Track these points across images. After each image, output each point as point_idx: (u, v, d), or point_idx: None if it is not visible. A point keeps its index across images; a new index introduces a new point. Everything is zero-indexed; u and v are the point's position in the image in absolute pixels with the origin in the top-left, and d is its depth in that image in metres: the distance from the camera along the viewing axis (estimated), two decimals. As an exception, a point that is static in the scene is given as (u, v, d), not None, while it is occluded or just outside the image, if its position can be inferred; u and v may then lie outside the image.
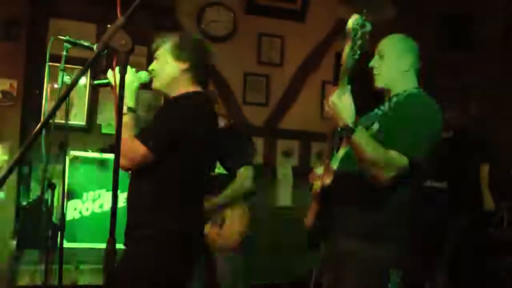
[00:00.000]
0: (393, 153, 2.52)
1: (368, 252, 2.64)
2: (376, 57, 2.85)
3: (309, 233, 3.00)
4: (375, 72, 2.83)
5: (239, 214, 4.24)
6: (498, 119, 5.78)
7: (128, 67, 2.76)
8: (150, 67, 3.02)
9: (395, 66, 2.79)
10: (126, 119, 2.68)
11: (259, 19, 6.24)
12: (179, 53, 2.95)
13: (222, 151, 4.31)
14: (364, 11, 2.55)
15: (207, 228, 4.21)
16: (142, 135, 2.72)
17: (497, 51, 5.84)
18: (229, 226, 4.21)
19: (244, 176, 4.26)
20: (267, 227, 5.60)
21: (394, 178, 2.53)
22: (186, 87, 2.95)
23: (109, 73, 2.85)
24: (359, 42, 2.58)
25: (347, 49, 2.58)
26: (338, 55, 5.94)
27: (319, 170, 2.99)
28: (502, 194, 5.41)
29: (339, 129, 2.67)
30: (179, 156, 2.79)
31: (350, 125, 2.52)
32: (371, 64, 2.85)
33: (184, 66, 2.94)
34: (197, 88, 2.98)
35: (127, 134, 2.65)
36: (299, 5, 6.31)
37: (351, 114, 2.54)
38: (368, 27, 2.56)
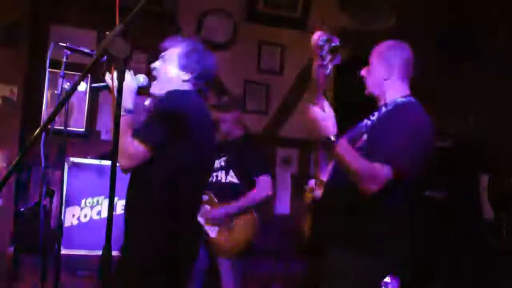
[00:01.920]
0: (376, 165, 2.49)
1: (360, 263, 2.63)
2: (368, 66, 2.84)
3: (308, 243, 2.99)
4: (365, 81, 2.83)
5: (250, 222, 4.26)
6: (498, 129, 5.78)
7: (127, 70, 2.77)
8: (154, 65, 3.02)
9: (382, 74, 2.76)
10: (124, 120, 2.68)
11: (259, 27, 6.25)
12: (184, 62, 2.94)
13: (240, 160, 4.33)
14: (325, 26, 2.53)
15: (216, 233, 4.23)
16: (139, 133, 2.71)
17: (497, 61, 5.84)
18: (237, 233, 4.22)
19: (263, 184, 4.29)
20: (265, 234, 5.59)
21: (380, 189, 2.50)
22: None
23: (107, 76, 2.85)
24: (328, 57, 2.55)
25: (315, 65, 2.56)
26: (339, 64, 5.97)
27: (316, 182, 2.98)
28: (501, 204, 5.40)
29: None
30: (176, 159, 2.77)
31: (332, 138, 2.52)
32: (361, 73, 2.85)
33: (185, 76, 2.94)
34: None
35: (125, 135, 2.65)
36: (299, 13, 6.32)
37: (331, 127, 2.54)
38: (335, 41, 2.55)
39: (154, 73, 3.00)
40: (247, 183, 4.30)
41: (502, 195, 5.36)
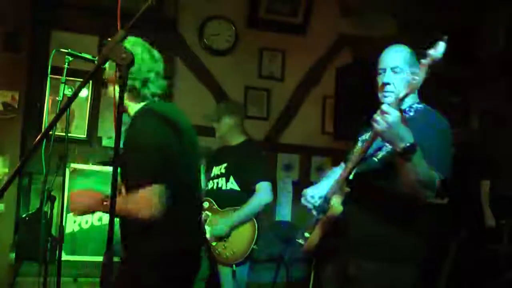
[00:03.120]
0: (434, 174, 2.43)
1: (388, 273, 2.62)
2: (390, 73, 2.71)
3: (309, 253, 2.95)
4: (389, 88, 2.69)
5: (249, 228, 4.24)
6: (500, 136, 5.77)
7: None
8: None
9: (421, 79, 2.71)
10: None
11: (260, 33, 6.25)
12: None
13: (240, 167, 4.32)
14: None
15: (214, 241, 4.22)
16: (138, 178, 2.59)
17: (499, 67, 5.84)
18: (237, 240, 4.21)
19: (264, 191, 4.27)
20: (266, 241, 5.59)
21: (433, 197, 2.47)
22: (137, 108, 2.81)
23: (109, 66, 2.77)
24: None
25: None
26: (340, 70, 5.98)
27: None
28: (503, 211, 5.39)
29: (385, 149, 2.59)
30: (165, 169, 2.72)
31: (409, 146, 2.32)
32: (387, 80, 2.72)
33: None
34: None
35: (132, 202, 2.58)
36: (300, 19, 6.31)
37: (410, 135, 2.34)
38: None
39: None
40: (247, 190, 4.29)
41: (504, 202, 5.35)
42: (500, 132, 5.81)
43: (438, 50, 2.30)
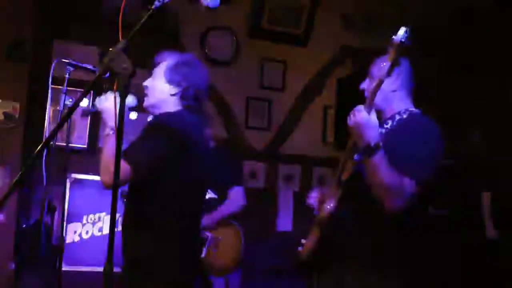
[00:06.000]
0: (403, 180, 2.45)
1: (380, 283, 2.59)
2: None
3: (304, 260, 2.94)
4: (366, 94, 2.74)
5: (233, 235, 4.25)
6: (500, 147, 5.76)
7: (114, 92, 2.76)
8: (144, 83, 3.02)
9: (390, 86, 2.71)
10: (110, 139, 2.68)
11: (262, 44, 6.26)
12: (172, 75, 2.93)
13: (213, 172, 4.32)
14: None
15: (205, 253, 4.21)
16: (124, 153, 2.66)
17: (500, 77, 5.84)
18: (224, 249, 4.21)
19: (237, 196, 4.29)
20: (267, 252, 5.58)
21: (404, 205, 2.46)
22: (172, 109, 2.94)
23: (106, 98, 2.85)
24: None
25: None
26: (340, 81, 5.99)
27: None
28: (504, 222, 5.37)
29: (353, 148, 2.62)
30: (166, 181, 2.77)
31: (372, 145, 2.45)
32: (362, 86, 2.80)
33: (173, 90, 2.93)
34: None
35: (110, 153, 2.64)
36: (302, 30, 6.33)
37: (376, 134, 2.48)
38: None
39: (145, 90, 2.99)
40: (223, 196, 4.31)
41: (505, 214, 5.34)
42: (501, 143, 5.79)
43: (398, 34, 2.39)
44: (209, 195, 4.33)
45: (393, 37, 2.39)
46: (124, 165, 2.63)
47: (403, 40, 2.37)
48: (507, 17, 5.58)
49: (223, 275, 4.20)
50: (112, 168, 2.63)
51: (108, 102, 2.80)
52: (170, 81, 2.93)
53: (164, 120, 2.86)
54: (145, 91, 2.99)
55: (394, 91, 2.74)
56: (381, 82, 2.46)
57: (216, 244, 4.20)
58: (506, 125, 5.61)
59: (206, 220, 4.20)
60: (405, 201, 2.46)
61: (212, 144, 4.45)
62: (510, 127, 5.58)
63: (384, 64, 2.42)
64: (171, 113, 2.90)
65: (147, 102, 2.99)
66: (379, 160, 2.45)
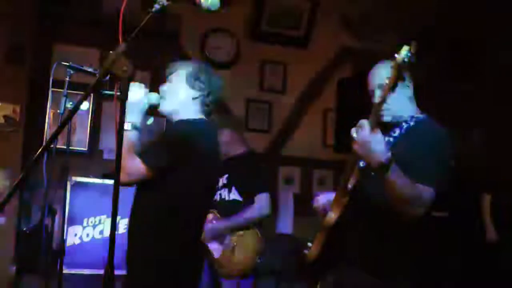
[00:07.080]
0: (421, 188, 2.42)
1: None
2: (379, 91, 2.62)
3: (309, 263, 2.93)
4: (384, 107, 2.55)
5: (252, 240, 4.24)
6: (501, 148, 5.76)
7: (142, 85, 2.83)
8: (162, 88, 3.06)
9: (407, 93, 2.72)
10: (128, 136, 2.72)
11: (262, 46, 6.26)
12: (194, 81, 3.01)
13: (241, 177, 4.34)
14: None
15: (220, 254, 4.21)
16: (143, 153, 2.79)
17: (501, 80, 5.84)
18: (240, 253, 4.20)
19: (262, 202, 4.29)
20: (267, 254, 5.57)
21: (423, 213, 2.46)
22: (192, 114, 2.99)
23: (131, 89, 2.88)
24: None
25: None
26: (340, 83, 5.98)
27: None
28: (504, 224, 5.37)
29: (362, 166, 2.59)
30: (178, 182, 2.80)
31: (384, 161, 2.35)
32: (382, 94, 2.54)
33: (195, 94, 2.99)
34: (202, 117, 3.02)
35: (127, 151, 2.67)
36: (302, 32, 6.33)
37: (384, 149, 2.37)
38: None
39: (163, 94, 3.03)
40: (249, 201, 4.30)
41: (505, 215, 5.34)
42: (501, 145, 5.79)
43: (401, 54, 2.32)
44: (234, 196, 4.35)
45: (396, 55, 2.32)
46: (139, 164, 2.74)
47: (405, 60, 2.30)
48: (506, 17, 5.58)
49: (235, 279, 4.20)
50: (126, 166, 2.68)
51: (133, 94, 2.86)
52: (193, 86, 3.01)
53: (186, 127, 2.94)
54: (163, 96, 3.03)
55: (409, 97, 2.75)
56: (384, 100, 2.39)
57: (232, 248, 4.20)
58: (506, 126, 5.61)
59: (224, 222, 4.23)
60: (426, 208, 2.46)
61: (242, 150, 4.50)
62: (510, 128, 5.58)
63: (387, 82, 2.35)
64: (191, 120, 2.97)
65: (165, 106, 3.03)
66: (395, 176, 2.38)
